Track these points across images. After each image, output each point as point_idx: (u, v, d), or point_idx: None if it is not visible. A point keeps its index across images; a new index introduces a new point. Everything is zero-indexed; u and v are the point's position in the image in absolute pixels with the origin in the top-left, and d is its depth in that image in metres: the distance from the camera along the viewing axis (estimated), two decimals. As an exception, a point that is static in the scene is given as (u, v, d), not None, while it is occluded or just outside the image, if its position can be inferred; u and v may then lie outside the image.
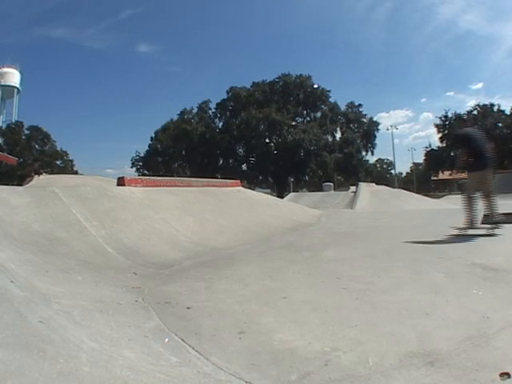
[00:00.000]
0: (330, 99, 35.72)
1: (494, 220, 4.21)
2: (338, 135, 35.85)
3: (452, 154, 32.46)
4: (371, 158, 40.64)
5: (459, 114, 32.01)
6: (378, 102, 75.15)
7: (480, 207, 4.42)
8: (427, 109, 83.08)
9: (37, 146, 33.63)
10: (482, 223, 4.36)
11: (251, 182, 33.77)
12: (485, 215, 4.45)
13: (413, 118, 79.86)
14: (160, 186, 5.40)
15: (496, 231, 4.09)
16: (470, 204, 4.37)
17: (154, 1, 67.13)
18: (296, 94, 34.80)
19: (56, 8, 65.48)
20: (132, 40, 75.05)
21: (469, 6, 65.54)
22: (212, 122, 36.11)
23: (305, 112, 35.75)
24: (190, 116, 36.63)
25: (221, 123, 35.75)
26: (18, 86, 44.29)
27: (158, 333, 1.66)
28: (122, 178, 4.94)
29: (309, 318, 1.84)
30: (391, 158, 55.80)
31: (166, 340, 1.59)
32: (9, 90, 43.74)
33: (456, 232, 4.31)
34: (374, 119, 37.23)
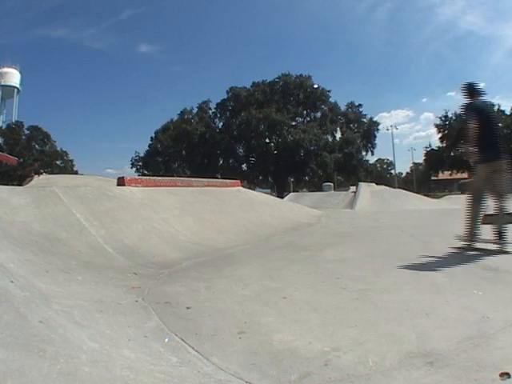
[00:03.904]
0: (330, 99, 35.76)
1: (501, 225, 3.20)
2: (338, 135, 35.88)
3: (452, 154, 32.51)
4: (371, 158, 40.66)
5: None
6: (379, 102, 75.21)
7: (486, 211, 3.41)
8: (428, 109, 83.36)
9: (37, 146, 33.65)
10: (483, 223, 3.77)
11: (251, 181, 33.78)
12: (486, 215, 3.69)
13: (414, 118, 79.93)
14: (160, 185, 5.39)
15: (509, 247, 3.08)
16: (474, 207, 3.34)
17: (155, 1, 67.26)
18: (296, 94, 34.81)
19: (57, 8, 65.62)
20: (133, 40, 75.13)
21: (469, 7, 65.68)
22: (212, 122, 36.12)
23: (305, 112, 35.78)
24: (190, 116, 36.65)
25: (221, 123, 35.78)
26: (18, 86, 44.29)
27: (158, 333, 1.66)
28: (122, 177, 4.94)
29: (309, 318, 1.84)
30: (391, 158, 55.80)
31: (166, 340, 1.59)
32: (9, 89, 43.73)
33: (457, 247, 3.36)
34: (376, 119, 37.29)
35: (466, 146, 3.26)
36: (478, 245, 3.28)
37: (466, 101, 3.52)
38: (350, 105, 36.66)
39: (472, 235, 3.31)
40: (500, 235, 3.19)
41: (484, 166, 3.23)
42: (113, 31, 70.02)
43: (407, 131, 78.76)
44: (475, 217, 3.31)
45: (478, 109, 3.34)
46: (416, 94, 74.98)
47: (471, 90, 3.55)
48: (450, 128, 32.23)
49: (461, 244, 3.37)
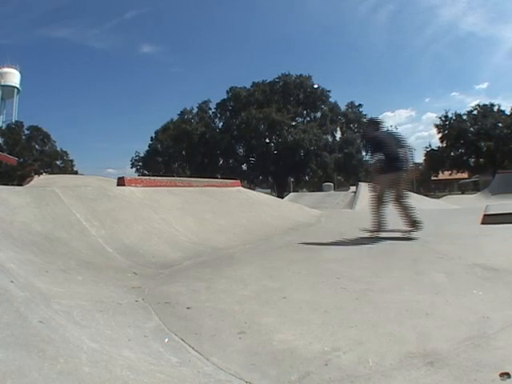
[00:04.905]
0: (330, 99, 35.76)
1: (412, 223, 4.12)
2: (338, 135, 35.89)
3: (452, 154, 32.51)
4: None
5: (380, 122, 31.63)
6: (383, 102, 75.24)
7: (393, 210, 4.36)
8: (431, 109, 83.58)
9: (37, 146, 33.64)
10: (484, 223, 4.29)
11: (251, 182, 33.81)
12: (487, 215, 4.40)
13: (416, 118, 79.69)
14: (160, 186, 5.39)
15: (413, 234, 4.02)
16: (378, 206, 4.32)
17: (158, 2, 67.43)
18: (296, 94, 34.80)
19: (60, 9, 65.86)
20: (135, 40, 75.38)
21: (470, 8, 65.78)
22: (212, 122, 36.12)
23: (305, 112, 35.77)
24: (190, 116, 36.64)
25: (221, 123, 35.78)
26: (18, 86, 44.31)
27: (158, 333, 1.66)
28: (122, 178, 4.94)
29: (309, 318, 1.84)
30: (391, 158, 55.61)
31: (166, 340, 1.59)
32: (9, 90, 43.75)
33: (367, 234, 4.28)
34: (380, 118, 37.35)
35: (373, 167, 4.40)
36: (385, 234, 4.22)
37: (370, 134, 4.71)
38: (350, 105, 36.65)
39: (379, 226, 4.28)
40: (414, 224, 4.11)
41: (386, 176, 4.23)
42: (116, 32, 70.22)
43: (409, 131, 78.70)
44: (380, 212, 4.31)
45: (379, 139, 4.40)
46: (419, 94, 75.14)
47: (374, 124, 4.82)
48: (450, 128, 32.21)
49: (369, 234, 4.28)
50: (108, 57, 68.53)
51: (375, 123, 4.85)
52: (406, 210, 4.22)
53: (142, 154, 37.58)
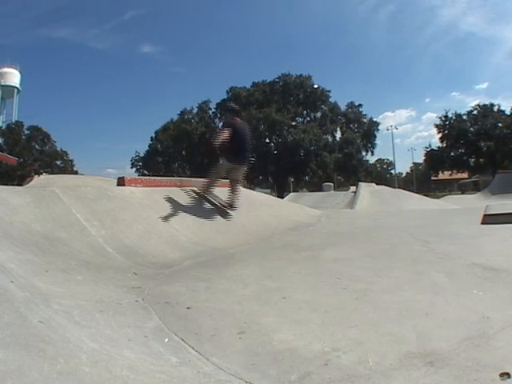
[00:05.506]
0: (330, 99, 35.80)
1: (230, 204, 5.08)
2: (338, 135, 35.94)
3: (452, 154, 32.51)
4: (371, 158, 40.73)
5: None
6: (384, 102, 75.41)
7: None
8: (431, 109, 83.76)
9: (37, 146, 33.68)
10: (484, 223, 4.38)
11: (251, 181, 33.79)
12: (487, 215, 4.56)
13: (416, 118, 79.78)
14: (160, 186, 5.39)
15: (229, 211, 5.01)
16: (213, 180, 5.19)
17: (158, 2, 67.50)
18: (296, 94, 34.84)
19: (60, 9, 65.99)
20: (135, 41, 75.59)
21: (470, 9, 65.92)
22: (212, 122, 36.15)
23: (305, 112, 35.82)
24: (190, 116, 36.68)
25: (221, 123, 35.79)
26: (18, 86, 44.34)
27: (158, 333, 1.66)
28: (122, 178, 4.93)
29: (309, 318, 1.84)
30: (391, 158, 55.69)
31: (166, 340, 1.59)
32: (9, 90, 43.79)
33: (196, 192, 5.23)
34: (380, 118, 37.55)
35: (217, 141, 4.79)
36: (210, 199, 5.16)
37: (229, 118, 5.36)
38: (350, 105, 36.69)
39: (207, 191, 5.19)
40: (230, 206, 5.08)
41: (229, 164, 5.05)
42: (116, 32, 70.34)
43: (409, 131, 78.91)
44: (212, 184, 5.19)
45: (235, 126, 4.95)
46: (419, 94, 75.38)
47: (234, 112, 5.32)
48: (450, 128, 32.22)
49: (198, 191, 5.23)
50: (108, 57, 68.75)
51: (236, 112, 5.34)
52: (232, 193, 5.17)
53: (142, 154, 37.62)
